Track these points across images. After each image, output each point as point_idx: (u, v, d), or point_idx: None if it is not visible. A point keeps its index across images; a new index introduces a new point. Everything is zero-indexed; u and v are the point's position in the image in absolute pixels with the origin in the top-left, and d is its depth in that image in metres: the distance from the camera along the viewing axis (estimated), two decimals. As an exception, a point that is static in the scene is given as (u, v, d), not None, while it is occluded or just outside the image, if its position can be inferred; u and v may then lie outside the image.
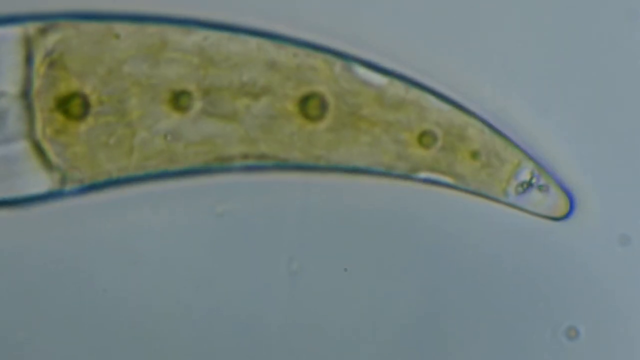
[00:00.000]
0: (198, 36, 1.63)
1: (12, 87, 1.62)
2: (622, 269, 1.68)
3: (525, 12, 1.66)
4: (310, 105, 1.64)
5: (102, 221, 1.64)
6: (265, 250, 1.66)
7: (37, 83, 1.62)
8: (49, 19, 1.62)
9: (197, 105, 1.63)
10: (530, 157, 1.66)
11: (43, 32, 1.62)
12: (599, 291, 1.68)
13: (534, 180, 1.66)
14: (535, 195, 1.67)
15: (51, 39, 1.62)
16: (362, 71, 1.64)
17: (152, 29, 1.63)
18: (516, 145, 1.67)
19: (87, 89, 1.63)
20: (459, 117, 1.65)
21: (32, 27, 1.62)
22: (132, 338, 1.65)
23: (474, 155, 1.66)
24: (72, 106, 1.62)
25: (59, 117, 1.62)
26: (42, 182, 1.64)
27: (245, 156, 1.64)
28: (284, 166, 1.65)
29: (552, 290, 1.67)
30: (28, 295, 1.64)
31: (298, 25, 1.64)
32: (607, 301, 1.68)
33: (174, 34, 1.63)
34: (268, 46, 1.63)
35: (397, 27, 1.65)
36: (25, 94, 1.62)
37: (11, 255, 1.65)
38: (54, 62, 1.62)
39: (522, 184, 1.66)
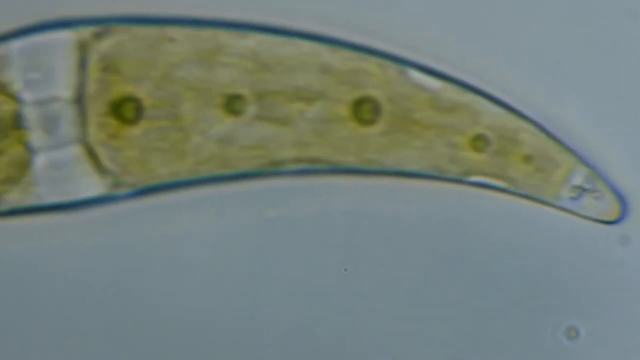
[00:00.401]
0: (252, 40, 1.63)
1: (66, 91, 1.62)
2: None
3: (581, 15, 1.65)
4: (364, 109, 1.63)
5: (154, 225, 1.64)
6: (317, 254, 1.66)
7: (90, 87, 1.62)
8: (103, 24, 1.62)
9: (251, 109, 1.63)
10: (583, 161, 1.66)
11: (97, 36, 1.62)
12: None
13: (587, 186, 1.66)
14: (587, 199, 1.66)
15: (105, 44, 1.62)
16: (416, 75, 1.64)
17: (206, 33, 1.63)
18: (569, 149, 1.66)
19: (141, 93, 1.62)
20: (512, 121, 1.65)
21: (86, 32, 1.62)
22: (181, 339, 1.64)
23: (527, 159, 1.65)
24: (125, 110, 1.62)
25: (113, 122, 1.62)
26: (95, 186, 1.63)
27: (298, 160, 1.64)
28: (336, 170, 1.64)
29: (606, 294, 1.67)
30: (81, 298, 1.64)
31: (352, 29, 1.63)
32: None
33: (228, 38, 1.63)
34: (322, 50, 1.63)
35: (451, 32, 1.65)
36: (79, 99, 1.62)
37: (64, 258, 1.65)
38: (107, 67, 1.61)
39: (574, 189, 1.66)
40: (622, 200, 1.66)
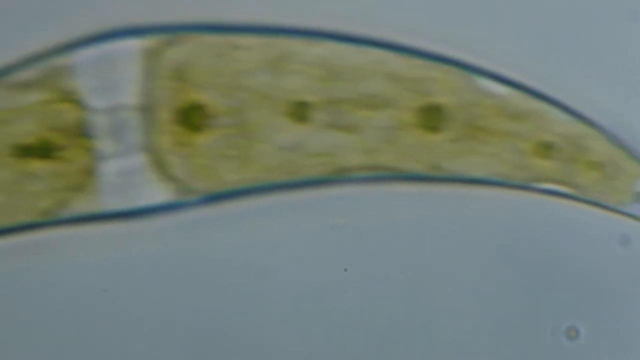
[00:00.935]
0: (320, 48, 1.63)
1: (134, 99, 1.61)
2: None
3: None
4: (431, 116, 1.63)
5: (221, 232, 1.64)
6: (384, 261, 1.65)
7: (158, 95, 1.61)
8: (171, 31, 1.62)
9: (318, 116, 1.62)
10: (651, 168, 1.66)
11: (165, 44, 1.62)
12: None
13: (656, 192, 1.65)
14: (655, 206, 1.66)
15: (173, 51, 1.61)
16: (483, 82, 1.63)
17: (274, 40, 1.62)
18: (636, 157, 1.66)
19: (209, 101, 1.62)
20: (580, 128, 1.64)
21: (154, 40, 1.62)
22: (250, 345, 1.64)
23: (594, 166, 1.65)
24: (193, 118, 1.62)
25: (180, 129, 1.62)
26: (162, 193, 1.63)
27: (365, 167, 1.63)
28: (403, 177, 1.64)
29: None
30: (148, 306, 1.64)
31: (419, 36, 1.63)
32: None
33: (297, 46, 1.62)
34: (389, 57, 1.63)
35: (518, 38, 1.64)
36: (147, 106, 1.62)
37: (132, 267, 1.64)
38: (175, 75, 1.61)
39: (641, 195, 1.66)
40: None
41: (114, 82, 1.59)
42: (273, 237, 1.62)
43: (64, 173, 1.60)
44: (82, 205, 1.61)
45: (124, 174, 1.60)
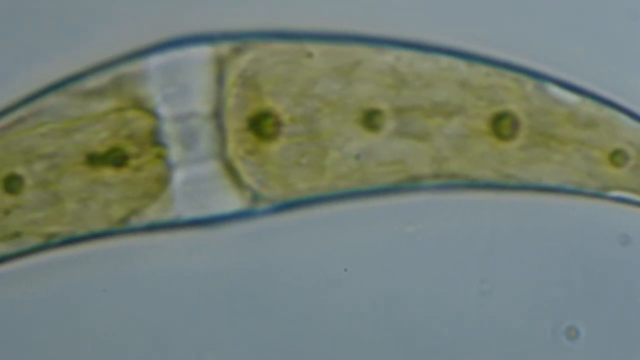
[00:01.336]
0: (390, 56, 1.62)
1: (205, 107, 1.61)
2: None
3: None
4: (503, 124, 1.62)
5: (293, 240, 1.64)
6: (456, 269, 1.64)
7: (229, 103, 1.61)
8: (242, 39, 1.62)
9: (389, 124, 1.62)
10: None
11: (236, 51, 1.62)
12: None
13: None
14: None
15: (244, 59, 1.61)
16: (554, 90, 1.62)
17: (344, 48, 1.62)
18: None
19: (279, 109, 1.62)
20: (652, 136, 1.63)
21: (225, 47, 1.62)
22: (321, 353, 1.64)
23: (666, 174, 1.64)
24: (264, 126, 1.62)
25: (251, 137, 1.62)
26: (233, 201, 1.63)
27: (436, 175, 1.63)
28: (475, 185, 1.63)
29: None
30: (222, 313, 1.64)
31: (490, 44, 1.62)
32: None
33: (367, 54, 1.62)
34: (460, 65, 1.62)
35: (588, 45, 1.63)
36: (218, 114, 1.62)
37: (203, 275, 1.64)
38: (246, 82, 1.61)
39: None
40: None
41: (185, 90, 1.59)
42: (343, 245, 1.61)
43: (135, 181, 1.60)
44: (154, 213, 1.61)
45: (196, 182, 1.60)
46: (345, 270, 1.60)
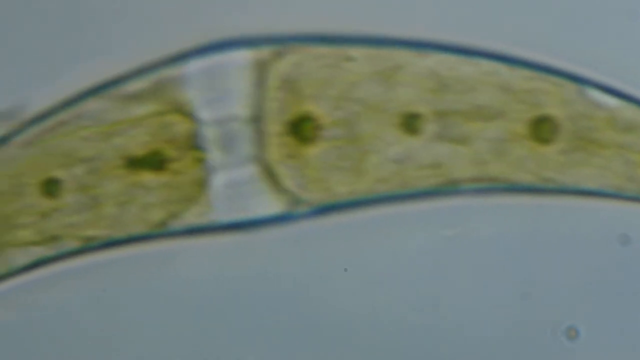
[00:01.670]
0: (432, 60, 1.62)
1: (245, 110, 1.61)
2: None
3: None
4: (543, 128, 1.62)
5: (332, 244, 1.63)
6: (495, 273, 1.64)
7: (269, 106, 1.61)
8: (282, 43, 1.62)
9: (429, 128, 1.62)
10: None
11: (276, 55, 1.61)
12: None
13: None
14: None
15: (284, 63, 1.61)
16: (594, 94, 1.62)
17: (385, 52, 1.62)
18: None
19: (319, 112, 1.62)
20: (692, 140, 1.63)
21: (265, 51, 1.62)
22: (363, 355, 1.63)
23: None
24: (304, 129, 1.61)
25: (291, 141, 1.61)
26: (273, 205, 1.63)
27: (476, 179, 1.62)
28: (514, 189, 1.63)
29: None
30: (262, 316, 1.63)
31: (531, 48, 1.62)
32: None
33: (407, 57, 1.62)
34: (500, 69, 1.62)
35: (628, 49, 1.63)
36: (257, 118, 1.61)
37: (243, 278, 1.64)
38: (286, 86, 1.61)
39: None
40: None
41: (225, 94, 1.59)
42: (383, 248, 1.61)
43: (175, 185, 1.60)
44: (193, 217, 1.60)
45: (235, 185, 1.59)
46: (345, 270, 1.59)
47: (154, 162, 1.57)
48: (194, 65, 1.58)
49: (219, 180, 1.58)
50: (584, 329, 1.61)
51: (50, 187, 1.58)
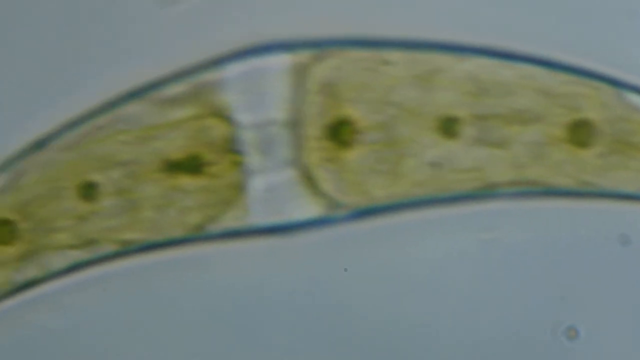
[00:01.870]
0: (470, 63, 1.62)
1: (283, 114, 1.61)
2: None
3: None
4: (581, 132, 1.62)
5: (371, 248, 1.63)
6: (533, 277, 1.64)
7: (307, 110, 1.61)
8: (320, 46, 1.62)
9: (467, 132, 1.62)
10: None
11: (315, 59, 1.61)
12: None
13: None
14: None
15: (322, 67, 1.61)
16: (632, 97, 1.62)
17: (423, 55, 1.62)
18: None
19: (358, 116, 1.61)
20: None
21: (303, 55, 1.61)
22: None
23: None
24: (342, 133, 1.61)
25: (329, 144, 1.61)
26: (310, 209, 1.62)
27: (514, 183, 1.62)
28: (552, 192, 1.63)
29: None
30: (300, 321, 1.63)
31: (569, 52, 1.62)
32: None
33: (446, 61, 1.62)
34: (539, 73, 1.62)
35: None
36: (296, 122, 1.61)
37: (281, 282, 1.63)
38: (324, 90, 1.61)
39: None
40: None
41: (264, 97, 1.59)
42: (421, 252, 1.61)
43: (212, 188, 1.60)
44: (230, 220, 1.60)
45: (273, 189, 1.59)
46: (345, 270, 1.59)
47: (191, 165, 1.57)
48: (233, 69, 1.57)
49: (256, 184, 1.58)
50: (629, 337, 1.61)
51: (88, 190, 1.58)
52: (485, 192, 1.58)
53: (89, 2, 1.58)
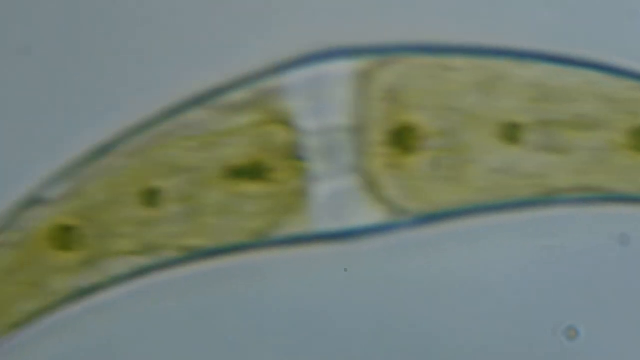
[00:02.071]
0: (531, 69, 1.62)
1: (346, 120, 1.61)
2: None
3: None
4: (643, 138, 1.62)
5: (433, 254, 1.63)
6: (593, 284, 1.64)
7: (370, 116, 1.61)
8: (383, 53, 1.62)
9: (530, 138, 1.62)
10: None
11: (378, 65, 1.61)
12: None
13: None
14: None
15: (386, 73, 1.61)
16: (694, 104, 1.62)
17: (487, 62, 1.62)
18: None
19: (421, 122, 1.62)
20: None
21: (367, 61, 1.62)
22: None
23: None
24: (405, 139, 1.61)
25: (393, 150, 1.61)
26: (373, 214, 1.62)
27: (576, 189, 1.62)
28: (614, 198, 1.63)
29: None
30: (361, 328, 1.63)
31: (632, 58, 1.62)
32: None
33: (508, 67, 1.62)
34: (601, 79, 1.62)
35: None
36: (359, 128, 1.61)
37: (343, 288, 1.63)
38: (388, 96, 1.61)
39: None
40: None
41: (326, 104, 1.59)
42: (483, 258, 1.61)
43: (275, 195, 1.60)
44: (293, 226, 1.60)
45: (336, 195, 1.59)
46: (345, 270, 1.59)
47: (254, 171, 1.57)
48: (296, 75, 1.57)
49: (319, 190, 1.58)
50: None
51: (151, 196, 1.58)
52: (547, 199, 1.58)
53: (154, 9, 1.58)
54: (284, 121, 1.56)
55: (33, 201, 1.57)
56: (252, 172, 1.57)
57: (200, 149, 1.57)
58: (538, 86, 1.57)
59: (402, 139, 1.56)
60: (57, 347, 1.60)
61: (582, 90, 1.57)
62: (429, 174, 1.57)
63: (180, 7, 1.58)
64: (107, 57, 1.58)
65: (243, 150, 1.57)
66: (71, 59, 1.57)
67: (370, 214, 1.57)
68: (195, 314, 1.59)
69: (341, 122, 1.56)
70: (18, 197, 1.58)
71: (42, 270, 1.58)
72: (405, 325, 1.59)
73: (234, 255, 1.58)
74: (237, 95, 1.57)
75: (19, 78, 1.58)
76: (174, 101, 1.57)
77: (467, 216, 1.58)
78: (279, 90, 1.57)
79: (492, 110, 1.57)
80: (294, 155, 1.56)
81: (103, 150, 1.57)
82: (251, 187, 1.57)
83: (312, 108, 1.56)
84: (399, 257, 1.58)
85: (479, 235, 1.59)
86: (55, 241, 1.57)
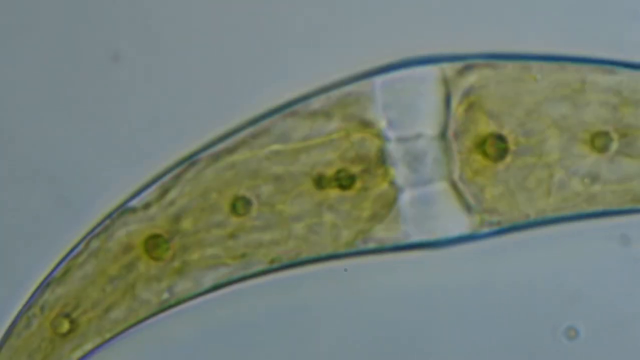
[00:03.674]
0: (617, 76, 1.62)
1: (431, 128, 1.62)
2: None
3: None
4: None
5: (519, 262, 1.63)
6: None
7: (454, 124, 1.62)
8: (469, 60, 1.63)
9: (616, 145, 1.62)
10: None
11: (460, 73, 1.62)
12: None
13: None
14: None
15: (468, 80, 1.61)
16: None
17: (571, 68, 1.62)
18: None
19: (505, 130, 1.62)
20: None
21: (449, 68, 1.62)
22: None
23: None
24: (490, 147, 1.62)
25: (478, 158, 1.62)
26: (460, 223, 1.62)
27: (668, 197, 1.61)
28: (701, 206, 1.62)
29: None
30: (444, 337, 1.63)
31: None
32: None
33: (594, 74, 1.62)
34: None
35: None
36: (444, 135, 1.62)
37: (431, 296, 1.64)
38: (471, 103, 1.62)
39: None
40: None
41: (412, 111, 1.59)
42: (569, 266, 1.61)
43: (362, 203, 1.60)
44: (381, 235, 1.61)
45: (422, 203, 1.60)
46: (345, 270, 1.59)
47: (341, 180, 1.58)
48: (381, 83, 1.58)
49: (406, 198, 1.58)
50: None
51: (238, 205, 1.59)
52: (633, 207, 1.59)
53: (240, 18, 1.60)
54: (370, 129, 1.57)
55: (124, 210, 1.59)
56: (339, 180, 1.58)
57: (287, 157, 1.58)
58: (623, 93, 1.57)
59: (487, 147, 1.57)
60: (147, 356, 1.61)
61: (667, 97, 1.57)
62: (515, 183, 1.57)
63: (266, 16, 1.59)
64: (192, 68, 1.59)
65: (329, 158, 1.58)
66: (164, 72, 1.59)
67: (456, 223, 1.58)
68: (283, 322, 1.59)
69: (427, 130, 1.57)
70: (109, 206, 1.59)
71: (133, 279, 1.59)
72: (487, 335, 1.58)
73: (322, 263, 1.59)
74: (326, 104, 1.58)
75: (111, 86, 1.59)
76: (263, 109, 1.58)
77: (554, 224, 1.58)
78: (365, 98, 1.58)
79: (577, 117, 1.57)
80: (381, 163, 1.57)
81: (193, 159, 1.58)
82: (338, 195, 1.58)
83: (397, 115, 1.57)
84: (486, 265, 1.58)
85: (564, 244, 1.59)
86: (145, 250, 1.59)
